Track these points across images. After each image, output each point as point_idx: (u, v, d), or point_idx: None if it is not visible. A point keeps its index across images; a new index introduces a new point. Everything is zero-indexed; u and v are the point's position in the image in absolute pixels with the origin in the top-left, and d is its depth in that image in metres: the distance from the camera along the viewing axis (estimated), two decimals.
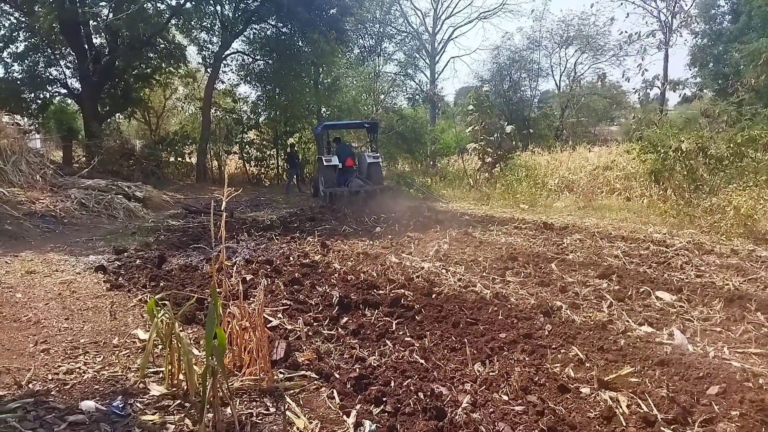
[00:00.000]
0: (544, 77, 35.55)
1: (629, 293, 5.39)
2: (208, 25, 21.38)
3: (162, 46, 19.71)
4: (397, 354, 3.87)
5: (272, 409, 3.08)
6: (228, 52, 21.29)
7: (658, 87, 21.34)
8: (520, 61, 33.13)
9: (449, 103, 41.06)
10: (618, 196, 14.77)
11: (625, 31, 42.30)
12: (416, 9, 47.67)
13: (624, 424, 2.89)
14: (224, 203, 3.17)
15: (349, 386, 3.30)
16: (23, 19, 17.43)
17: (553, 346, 3.96)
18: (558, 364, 3.67)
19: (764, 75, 17.17)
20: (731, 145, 11.64)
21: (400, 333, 4.30)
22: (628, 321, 4.61)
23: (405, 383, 3.33)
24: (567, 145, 22.55)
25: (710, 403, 3.07)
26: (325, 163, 14.37)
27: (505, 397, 3.20)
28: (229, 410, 2.92)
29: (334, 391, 3.27)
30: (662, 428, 2.85)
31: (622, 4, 32.96)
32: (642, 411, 3.00)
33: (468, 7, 47.43)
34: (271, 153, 23.05)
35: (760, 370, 3.60)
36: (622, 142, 21.90)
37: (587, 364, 3.65)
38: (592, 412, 3.02)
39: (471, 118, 19.58)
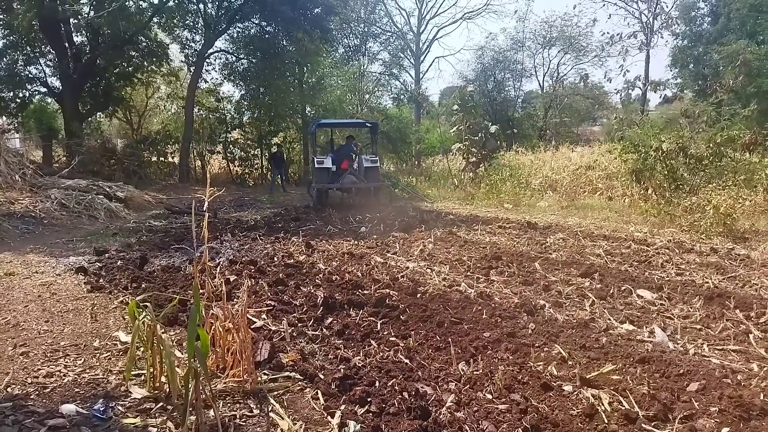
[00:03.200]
0: (528, 77, 35.85)
1: (611, 292, 5.45)
2: (191, 24, 21.21)
3: (144, 44, 19.51)
4: (381, 354, 3.87)
5: (256, 411, 3.06)
6: (211, 50, 21.14)
7: (640, 87, 21.62)
8: (503, 61, 33.32)
9: (434, 103, 41.16)
10: (600, 196, 14.95)
11: (607, 32, 42.87)
12: (401, 9, 47.77)
13: (606, 421, 2.92)
14: (207, 203, 3.14)
15: (333, 387, 3.29)
16: (1, 17, 17.12)
17: (537, 345, 3.99)
18: (541, 363, 3.70)
19: (742, 76, 17.47)
20: (711, 145, 11.83)
21: (385, 333, 4.29)
22: (609, 319, 4.67)
23: (390, 383, 3.33)
24: (550, 145, 22.79)
25: (690, 400, 3.12)
26: (316, 165, 13.85)
27: (489, 396, 3.21)
28: (212, 412, 2.89)
29: (319, 391, 3.25)
30: (643, 425, 2.89)
31: (604, 5, 33.43)
32: (623, 408, 3.04)
33: (452, 8, 47.91)
34: (256, 153, 22.91)
35: (738, 366, 3.67)
36: (604, 142, 22.14)
37: (570, 362, 3.68)
38: (574, 410, 3.05)
39: (455, 118, 19.70)
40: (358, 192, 13.91)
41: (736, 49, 20.76)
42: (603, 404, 3.08)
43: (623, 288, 5.55)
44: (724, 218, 9.06)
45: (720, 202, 9.30)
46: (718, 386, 3.26)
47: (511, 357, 3.76)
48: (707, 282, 5.89)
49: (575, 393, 3.24)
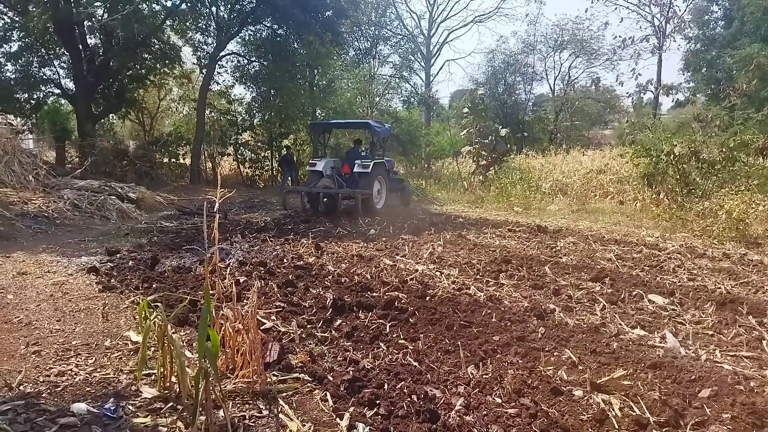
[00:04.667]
0: (539, 81, 35.80)
1: (622, 296, 5.42)
2: (204, 26, 21.33)
3: (157, 46, 19.64)
4: (390, 356, 3.87)
5: (265, 412, 3.07)
6: (223, 53, 21.25)
7: (652, 91, 21.46)
8: (514, 64, 33.29)
9: (444, 106, 41.18)
10: (611, 200, 14.85)
11: (619, 36, 42.61)
12: (412, 12, 47.64)
13: (617, 427, 2.90)
14: (218, 204, 3.16)
15: (342, 389, 3.30)
16: (17, 19, 17.33)
17: (547, 349, 3.97)
18: (551, 367, 3.68)
19: (756, 80, 17.33)
20: (723, 150, 11.74)
21: (394, 335, 4.29)
22: (620, 324, 4.63)
23: (398, 386, 3.33)
24: (561, 149, 22.66)
25: (702, 406, 3.09)
26: (309, 167, 13.33)
27: (498, 400, 3.20)
28: (221, 413, 2.91)
29: (328, 393, 3.26)
30: (654, 431, 2.86)
31: (616, 8, 33.35)
32: (634, 414, 3.01)
33: (463, 11, 47.73)
34: (266, 155, 23.00)
35: (751, 373, 3.63)
36: (615, 145, 22.03)
37: (580, 367, 3.66)
38: (584, 415, 3.03)
39: (466, 121, 19.67)
40: (325, 196, 12.57)
41: (749, 53, 20.63)
42: (614, 410, 3.06)
43: (634, 293, 5.51)
44: (736, 223, 8.98)
45: (733, 207, 9.22)
46: (730, 393, 3.23)
47: (520, 361, 3.74)
48: (719, 287, 5.83)
49: (585, 398, 3.22)
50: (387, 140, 15.06)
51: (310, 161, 13.60)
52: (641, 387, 3.34)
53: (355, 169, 12.44)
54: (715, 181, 11.44)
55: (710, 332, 4.47)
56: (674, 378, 3.46)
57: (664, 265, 6.97)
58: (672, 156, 11.92)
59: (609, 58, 32.64)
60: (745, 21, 25.28)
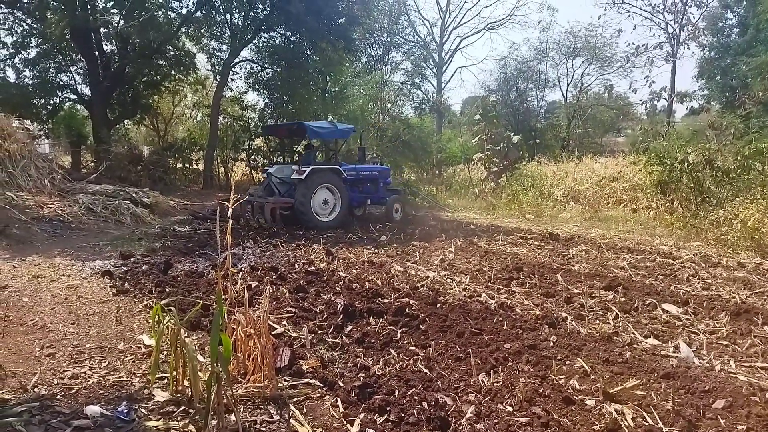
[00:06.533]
0: (551, 88, 35.55)
1: (635, 305, 5.37)
2: (218, 34, 21.61)
3: (172, 53, 19.89)
4: (401, 363, 3.86)
5: (276, 417, 3.08)
6: (237, 60, 21.47)
7: (665, 99, 21.35)
8: (527, 71, 33.15)
9: (456, 113, 41.12)
10: (624, 208, 14.73)
11: (633, 43, 42.30)
12: (424, 19, 47.86)
13: None
14: (230, 210, 3.18)
15: (353, 395, 3.30)
16: (35, 26, 17.64)
17: (558, 358, 3.95)
18: (563, 376, 3.65)
19: None
20: (738, 158, 11.63)
21: (405, 342, 4.29)
22: (633, 333, 4.59)
23: (409, 392, 3.33)
24: (573, 156, 22.50)
25: (716, 417, 3.05)
26: (264, 174, 12.44)
27: (510, 408, 3.18)
28: (233, 417, 2.92)
29: (338, 399, 3.26)
30: None
31: (629, 16, 33.11)
32: (647, 424, 2.98)
33: (475, 18, 47.80)
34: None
35: (766, 384, 3.58)
36: (628, 153, 21.85)
37: (592, 376, 3.63)
38: (597, 425, 3.00)
39: (477, 127, 19.70)
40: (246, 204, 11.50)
41: (765, 61, 20.44)
42: (626, 420, 3.03)
43: (648, 302, 5.46)
44: (751, 232, 8.87)
45: (748, 215, 9.12)
46: (745, 404, 3.18)
47: (532, 369, 3.72)
48: (734, 297, 5.76)
49: (598, 408, 3.19)
50: (342, 142, 13.45)
51: (265, 168, 12.87)
52: (654, 397, 3.31)
53: (294, 176, 11.07)
54: (730, 190, 11.32)
55: (725, 342, 4.41)
56: (688, 388, 3.42)
57: (677, 274, 6.91)
58: (686, 164, 11.84)
59: (622, 65, 32.46)
60: (760, 28, 25.05)
